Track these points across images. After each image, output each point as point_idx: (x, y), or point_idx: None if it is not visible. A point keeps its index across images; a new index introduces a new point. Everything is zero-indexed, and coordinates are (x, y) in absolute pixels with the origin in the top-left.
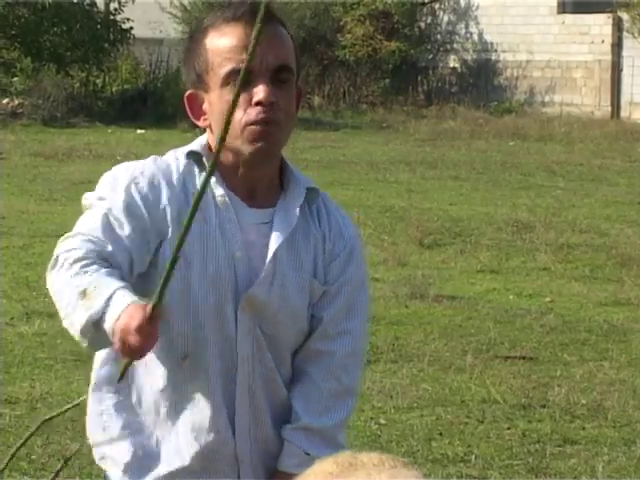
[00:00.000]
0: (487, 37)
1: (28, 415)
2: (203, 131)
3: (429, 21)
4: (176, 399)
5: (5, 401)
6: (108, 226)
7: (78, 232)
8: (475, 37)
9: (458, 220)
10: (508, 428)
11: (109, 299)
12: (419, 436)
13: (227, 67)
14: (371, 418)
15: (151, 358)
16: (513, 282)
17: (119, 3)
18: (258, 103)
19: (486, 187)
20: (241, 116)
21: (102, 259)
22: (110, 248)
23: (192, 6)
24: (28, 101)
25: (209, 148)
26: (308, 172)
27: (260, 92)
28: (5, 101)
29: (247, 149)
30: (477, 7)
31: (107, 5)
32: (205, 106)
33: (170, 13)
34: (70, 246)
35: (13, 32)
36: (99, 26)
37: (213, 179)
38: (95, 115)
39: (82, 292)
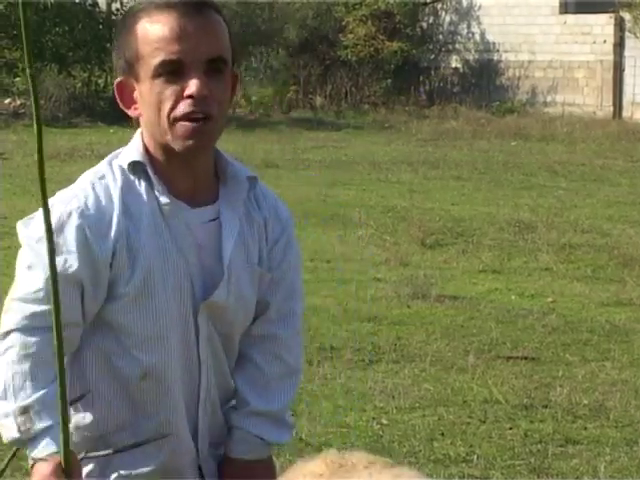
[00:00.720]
0: (489, 37)
1: None
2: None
3: (431, 21)
4: (137, 408)
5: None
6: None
7: (21, 302)
8: (477, 37)
9: (460, 220)
10: (510, 428)
11: (46, 431)
12: (421, 436)
13: (157, 58)
14: (373, 418)
15: (117, 368)
16: (515, 282)
17: (121, 3)
18: (190, 97)
19: (488, 187)
20: (170, 110)
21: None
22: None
23: None
24: (30, 101)
25: (146, 150)
26: (310, 172)
27: (192, 85)
28: (7, 101)
29: (178, 145)
30: (479, 7)
31: (109, 5)
32: (136, 95)
33: None
34: (16, 326)
35: (15, 32)
36: (101, 26)
37: (158, 188)
38: (97, 115)
39: (23, 407)
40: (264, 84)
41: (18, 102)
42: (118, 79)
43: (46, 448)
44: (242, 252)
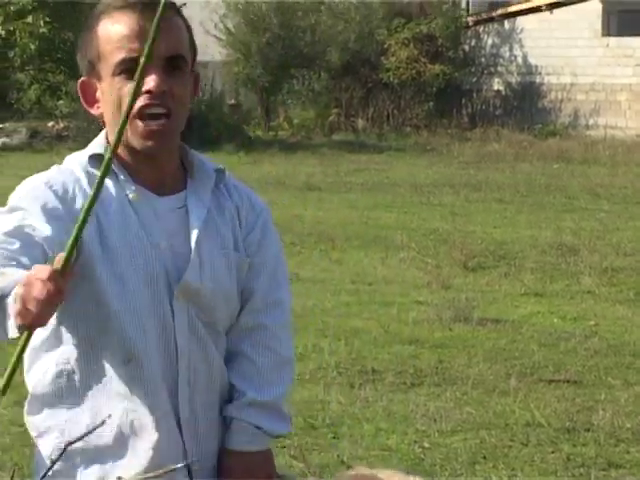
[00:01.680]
0: (531, 60)
1: None
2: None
3: (473, 44)
4: (124, 403)
5: None
6: (22, 231)
7: None
8: (519, 60)
9: (502, 243)
10: (552, 452)
11: (18, 279)
12: (463, 460)
13: (118, 56)
14: (415, 441)
15: (97, 360)
16: (557, 305)
17: None
18: (148, 92)
19: (530, 210)
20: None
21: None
22: (20, 248)
23: (236, 29)
24: (73, 124)
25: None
26: (352, 195)
27: (151, 81)
28: (50, 124)
29: (137, 145)
30: (521, 30)
31: None
32: (98, 94)
33: (215, 36)
34: None
35: (59, 55)
36: None
37: (122, 177)
38: None
39: None
40: (306, 107)
41: (61, 125)
42: (81, 79)
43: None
44: (214, 238)
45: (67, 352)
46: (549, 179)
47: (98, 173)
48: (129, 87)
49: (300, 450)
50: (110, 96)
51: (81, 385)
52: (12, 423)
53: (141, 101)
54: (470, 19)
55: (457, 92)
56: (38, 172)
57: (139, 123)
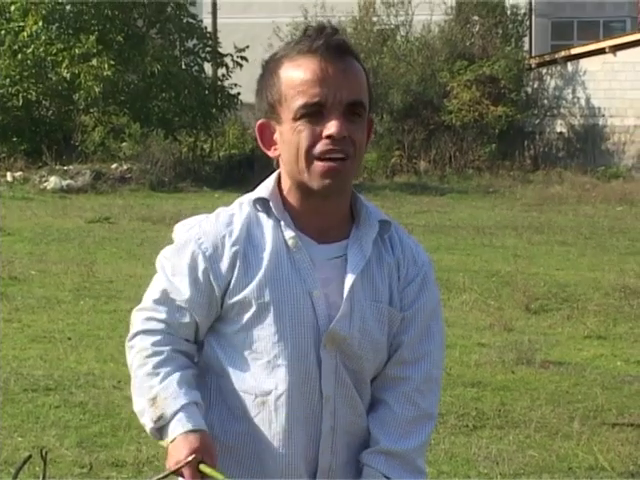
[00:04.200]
0: (594, 102)
1: (135, 478)
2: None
3: (536, 86)
4: (256, 443)
5: (112, 464)
6: (167, 296)
7: (147, 311)
8: (582, 102)
9: (565, 285)
10: None
11: (174, 415)
12: None
13: (300, 101)
14: None
15: (233, 398)
16: (621, 348)
17: (227, 69)
18: (329, 137)
19: (593, 252)
20: (308, 149)
21: (174, 347)
22: (177, 321)
23: None
24: (136, 166)
25: (279, 190)
26: (414, 236)
27: (332, 126)
28: (114, 166)
29: (315, 184)
30: (584, 72)
31: (215, 71)
32: (276, 136)
33: None
34: (143, 328)
35: (122, 98)
36: (207, 92)
37: (283, 222)
38: (202, 180)
39: (152, 399)
40: (368, 149)
41: (124, 167)
42: (260, 121)
43: (177, 427)
44: (368, 289)
45: (207, 379)
46: (612, 221)
47: (263, 215)
48: (309, 130)
49: None
50: (290, 138)
51: (213, 414)
52: (75, 464)
53: (322, 145)
54: (533, 61)
55: (519, 134)
56: (101, 214)
57: (318, 163)
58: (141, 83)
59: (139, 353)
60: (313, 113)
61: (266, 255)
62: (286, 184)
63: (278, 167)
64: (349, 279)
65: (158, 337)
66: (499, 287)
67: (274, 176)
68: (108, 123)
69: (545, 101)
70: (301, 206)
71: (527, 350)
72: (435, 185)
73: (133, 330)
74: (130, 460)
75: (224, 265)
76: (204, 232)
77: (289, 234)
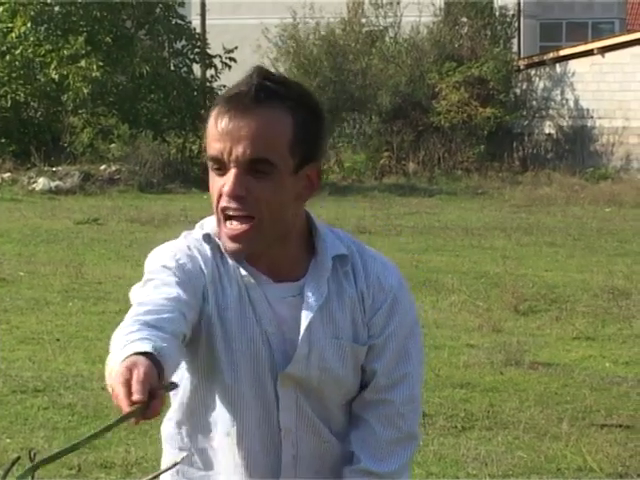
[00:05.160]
0: (583, 103)
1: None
2: None
3: (524, 87)
4: (225, 467)
5: (101, 466)
6: (154, 297)
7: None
8: (571, 103)
9: (554, 287)
10: None
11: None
12: None
13: (209, 152)
14: None
15: (205, 425)
16: (609, 349)
17: (215, 70)
18: (224, 194)
19: (582, 254)
20: (217, 202)
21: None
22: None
23: (288, 73)
24: (125, 167)
25: None
26: (402, 238)
27: (226, 184)
28: (103, 167)
29: (224, 245)
30: (573, 73)
31: (204, 72)
32: None
33: None
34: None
35: (111, 99)
36: (195, 93)
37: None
38: (191, 181)
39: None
40: (357, 150)
41: (113, 168)
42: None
43: (135, 345)
44: (328, 326)
45: (179, 410)
46: (601, 223)
47: (208, 252)
48: (217, 184)
49: None
50: (210, 187)
51: (191, 444)
52: (63, 465)
53: (222, 201)
54: (521, 62)
55: (508, 135)
56: (90, 215)
57: (224, 222)
58: (130, 84)
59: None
60: (219, 167)
61: (229, 290)
62: None
63: None
64: (305, 319)
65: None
66: (488, 288)
67: None
68: (97, 124)
69: (534, 102)
70: None
71: (516, 351)
72: (424, 186)
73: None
74: (119, 461)
75: (201, 289)
76: (178, 249)
77: (242, 272)
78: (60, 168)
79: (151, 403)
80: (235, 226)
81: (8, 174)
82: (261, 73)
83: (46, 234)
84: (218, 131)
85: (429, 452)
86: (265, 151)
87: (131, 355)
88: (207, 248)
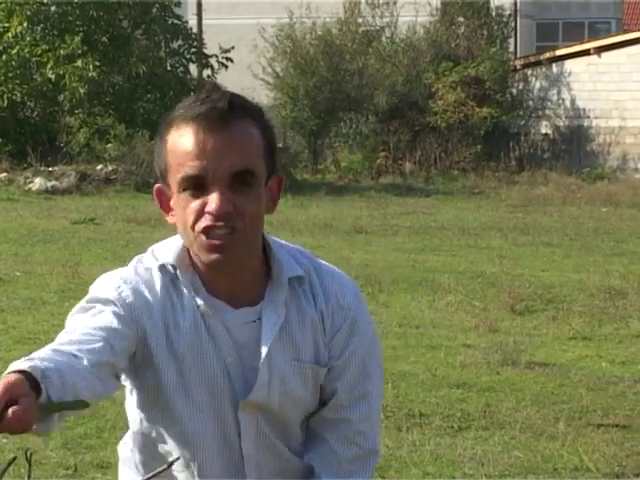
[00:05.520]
0: (579, 103)
1: None
2: None
3: (521, 87)
4: None
5: (97, 466)
6: (88, 323)
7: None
8: (567, 103)
9: (550, 286)
10: None
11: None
12: None
13: (181, 173)
14: None
15: (158, 455)
16: (606, 349)
17: (212, 70)
18: (210, 213)
19: (578, 253)
20: (193, 224)
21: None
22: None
23: (284, 72)
24: (121, 167)
25: (189, 256)
26: (399, 238)
27: (212, 202)
28: (99, 167)
29: (203, 258)
30: (569, 73)
31: (200, 72)
32: (172, 203)
33: (262, 80)
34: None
35: (107, 99)
36: (192, 93)
37: (193, 287)
38: None
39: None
40: (353, 150)
41: (109, 168)
42: (157, 185)
43: (18, 363)
44: (289, 349)
45: (133, 438)
46: (597, 222)
47: (158, 284)
48: (193, 205)
49: None
50: (177, 210)
51: (146, 472)
52: (60, 465)
53: (204, 221)
54: (518, 62)
55: (505, 135)
56: (86, 215)
57: (203, 238)
58: (126, 84)
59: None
60: (195, 186)
61: (184, 323)
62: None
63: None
64: (264, 346)
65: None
66: (484, 288)
67: (180, 242)
68: (93, 124)
69: (530, 102)
70: (207, 271)
71: (512, 351)
72: (420, 186)
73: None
74: (115, 461)
75: (143, 322)
76: (124, 281)
77: (199, 301)
78: (56, 168)
79: (7, 411)
80: (217, 238)
81: (4, 174)
82: (220, 89)
83: (42, 234)
84: (197, 149)
85: (425, 452)
86: (249, 162)
87: (8, 373)
88: (158, 280)
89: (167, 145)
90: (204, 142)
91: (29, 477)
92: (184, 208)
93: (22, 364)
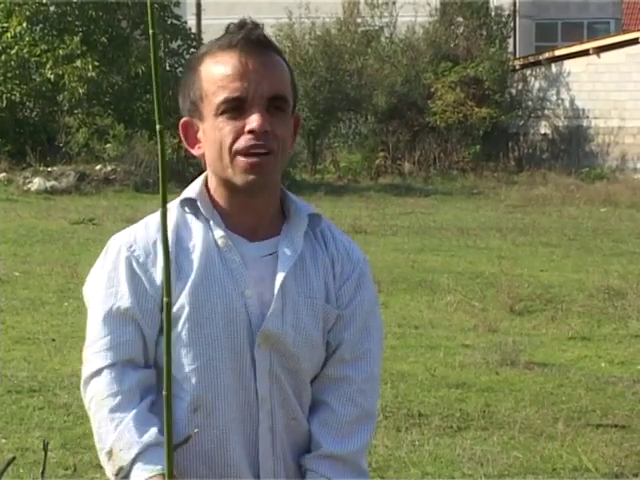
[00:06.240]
0: (578, 103)
1: None
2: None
3: (520, 87)
4: (191, 452)
5: (96, 466)
6: (111, 313)
7: (93, 344)
8: (566, 103)
9: (549, 287)
10: None
11: (131, 465)
12: None
13: (221, 96)
14: None
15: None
16: (605, 349)
17: None
18: (251, 131)
19: (577, 254)
20: (231, 145)
21: (126, 382)
22: (124, 339)
23: None
24: (121, 167)
25: (207, 189)
26: (398, 238)
27: (253, 121)
28: (98, 167)
29: (239, 180)
30: (569, 73)
31: None
32: (200, 135)
33: None
34: (93, 370)
35: (106, 99)
36: None
37: (212, 222)
38: (186, 181)
39: (108, 452)
40: (353, 150)
41: (109, 168)
42: (183, 119)
43: (138, 477)
44: (302, 285)
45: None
46: (596, 223)
47: (191, 217)
48: (231, 126)
49: None
50: (213, 135)
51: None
52: (59, 465)
53: (244, 141)
54: (517, 62)
55: (504, 135)
56: (85, 216)
57: (241, 159)
58: (125, 84)
59: (94, 398)
60: (235, 108)
61: (196, 257)
62: (212, 183)
63: (205, 167)
64: (280, 276)
65: (109, 376)
66: (483, 288)
67: (202, 177)
68: (92, 124)
69: (529, 102)
70: (229, 204)
71: (511, 351)
72: (419, 186)
73: (85, 372)
74: None
75: (157, 271)
76: (135, 240)
77: (219, 233)
78: (55, 168)
79: None
80: (256, 156)
81: (3, 174)
82: (251, 24)
83: (41, 234)
84: (238, 72)
85: (425, 452)
86: (285, 88)
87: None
88: (174, 218)
89: (201, 74)
90: (245, 64)
91: (44, 467)
92: (221, 130)
93: (153, 465)
